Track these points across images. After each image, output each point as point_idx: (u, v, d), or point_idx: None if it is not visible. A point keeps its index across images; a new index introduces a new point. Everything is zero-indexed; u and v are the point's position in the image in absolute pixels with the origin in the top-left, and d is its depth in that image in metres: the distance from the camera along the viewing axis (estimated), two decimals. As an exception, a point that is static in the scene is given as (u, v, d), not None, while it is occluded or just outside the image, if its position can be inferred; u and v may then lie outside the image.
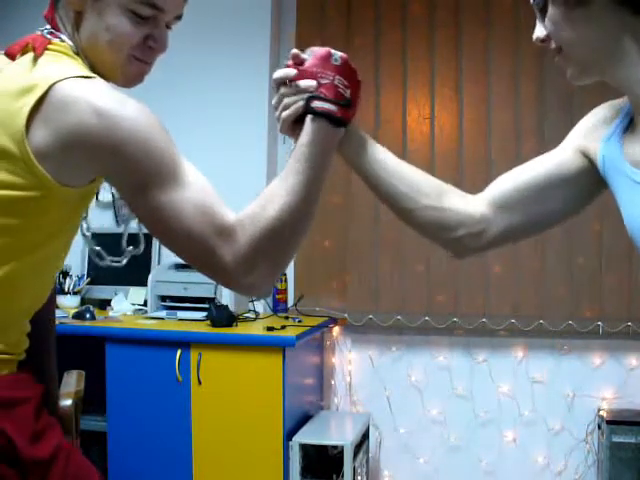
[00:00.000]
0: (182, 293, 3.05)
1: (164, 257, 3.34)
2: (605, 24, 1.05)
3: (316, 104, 1.13)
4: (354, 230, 3.25)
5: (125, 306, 3.19)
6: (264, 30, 3.32)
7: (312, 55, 1.16)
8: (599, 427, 3.01)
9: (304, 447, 2.69)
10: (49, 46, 1.08)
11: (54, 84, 1.00)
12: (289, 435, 2.68)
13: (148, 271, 3.18)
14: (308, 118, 1.13)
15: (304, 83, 1.13)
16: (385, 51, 3.23)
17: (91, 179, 1.08)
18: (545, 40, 1.13)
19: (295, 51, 1.16)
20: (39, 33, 1.12)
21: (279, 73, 1.16)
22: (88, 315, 2.93)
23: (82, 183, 1.07)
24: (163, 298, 3.10)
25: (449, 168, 3.11)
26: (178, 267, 3.17)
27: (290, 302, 3.31)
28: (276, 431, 2.64)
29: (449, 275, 3.15)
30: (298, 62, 1.16)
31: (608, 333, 3.03)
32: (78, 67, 1.08)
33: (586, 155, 1.19)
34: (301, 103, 1.13)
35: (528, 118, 3.12)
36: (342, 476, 2.68)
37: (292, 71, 1.15)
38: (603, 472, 2.91)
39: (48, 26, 1.13)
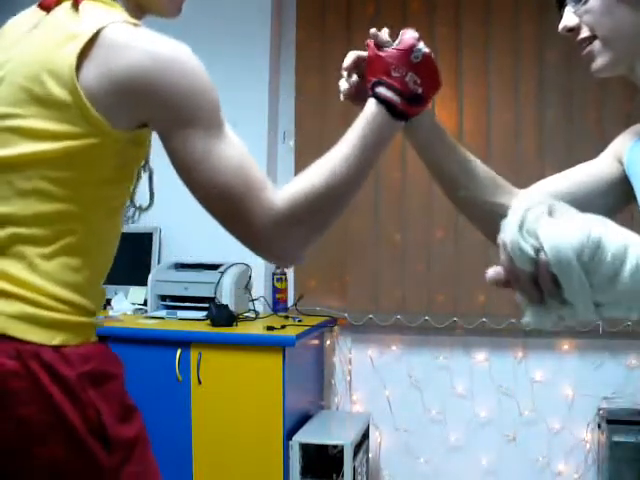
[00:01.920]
0: (182, 293, 3.05)
1: (164, 257, 3.35)
2: None
3: (380, 90, 1.12)
4: (354, 230, 3.25)
5: (125, 305, 3.19)
6: (264, 30, 3.32)
7: (397, 43, 1.15)
8: (599, 427, 3.01)
9: (304, 447, 2.69)
10: None
11: (102, 29, 1.02)
12: (289, 435, 2.68)
13: (148, 271, 3.18)
14: (371, 100, 1.13)
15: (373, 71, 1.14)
16: (385, 51, 3.23)
17: (142, 122, 1.07)
18: (574, 29, 1.12)
19: (374, 31, 1.16)
20: None
21: (351, 55, 1.20)
22: (88, 315, 2.93)
23: (132, 126, 1.06)
24: (163, 298, 3.10)
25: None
26: (178, 267, 3.17)
27: (290, 302, 3.32)
28: (276, 431, 2.64)
29: (449, 275, 3.16)
30: (378, 44, 1.15)
31: (608, 333, 3.03)
32: (121, 14, 1.09)
33: (620, 160, 1.22)
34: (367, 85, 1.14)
35: (528, 118, 3.12)
36: (342, 476, 2.68)
37: (363, 54, 1.17)
38: (603, 472, 2.91)
39: None
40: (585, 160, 1.30)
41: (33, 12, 1.14)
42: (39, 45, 1.05)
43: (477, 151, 3.43)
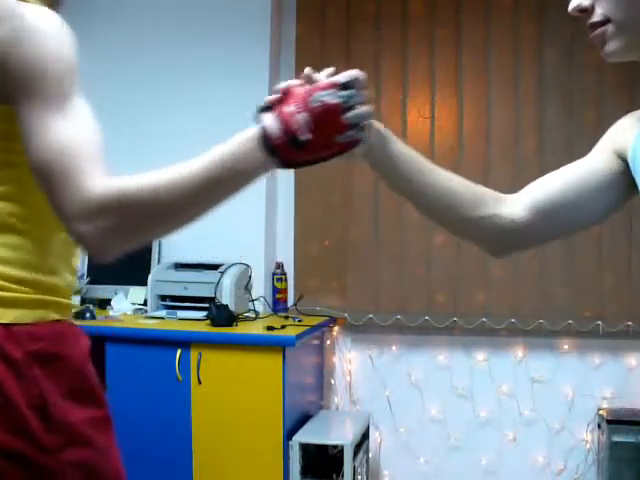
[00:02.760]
0: (182, 293, 3.05)
1: (164, 257, 3.34)
2: None
3: (264, 116, 1.01)
4: (354, 230, 3.25)
5: (125, 306, 3.19)
6: (264, 30, 3.32)
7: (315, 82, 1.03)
8: (599, 427, 3.01)
9: (304, 447, 2.69)
10: None
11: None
12: (289, 435, 2.68)
13: (148, 271, 3.18)
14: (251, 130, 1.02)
15: (272, 96, 1.04)
16: (385, 51, 3.23)
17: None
18: (586, 10, 1.07)
19: (308, 72, 1.05)
20: None
21: (282, 84, 1.06)
22: (88, 315, 2.93)
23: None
24: (163, 298, 3.10)
25: (449, 168, 3.08)
26: (178, 267, 3.17)
27: (290, 302, 3.31)
28: (276, 431, 2.64)
29: (449, 275, 3.16)
30: (307, 80, 1.04)
31: (608, 333, 3.03)
32: None
33: (620, 155, 1.19)
34: (259, 105, 1.04)
35: (528, 117, 3.12)
36: (342, 476, 2.67)
37: (289, 84, 1.04)
38: (603, 472, 2.91)
39: None
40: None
41: None
42: None
43: (477, 151, 3.45)
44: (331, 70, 1.05)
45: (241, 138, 1.02)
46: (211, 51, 3.34)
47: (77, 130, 1.01)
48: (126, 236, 1.03)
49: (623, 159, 1.18)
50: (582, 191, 1.21)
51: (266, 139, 0.99)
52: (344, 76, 1.01)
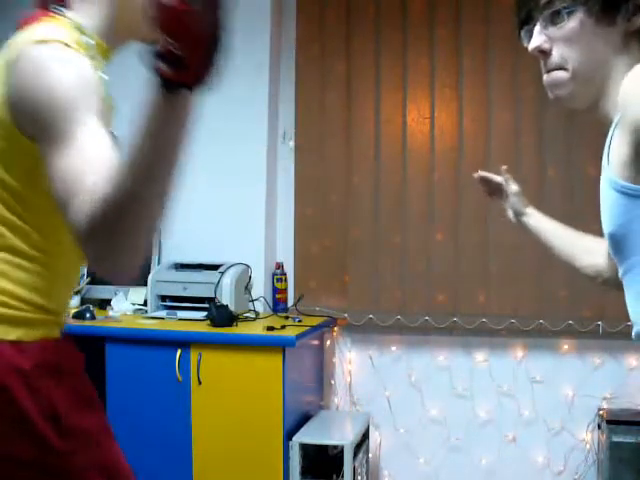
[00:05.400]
0: (182, 293, 3.05)
1: (164, 257, 3.34)
2: (614, 41, 1.03)
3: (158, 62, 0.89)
4: (354, 230, 3.25)
5: (125, 306, 3.19)
6: (264, 30, 3.32)
7: None
8: (599, 427, 3.01)
9: (304, 447, 2.68)
10: (43, 18, 1.17)
11: (22, 49, 1.09)
12: (289, 435, 2.68)
13: (148, 271, 3.18)
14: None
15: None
16: (385, 51, 3.23)
17: (29, 135, 1.10)
18: (545, 52, 1.09)
19: None
20: (43, 8, 1.21)
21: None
22: (88, 315, 2.93)
23: (28, 137, 1.10)
24: (163, 298, 3.10)
25: (449, 168, 3.11)
26: (178, 267, 3.17)
27: (290, 302, 3.32)
28: (276, 431, 2.64)
29: (449, 275, 3.16)
30: None
31: (608, 333, 3.03)
32: (59, 32, 1.14)
33: None
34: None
35: (528, 118, 3.12)
36: (342, 476, 2.67)
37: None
38: (603, 472, 2.91)
39: (59, 4, 1.22)
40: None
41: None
42: None
43: (477, 151, 3.45)
44: None
45: (147, 100, 0.93)
46: (211, 51, 3.33)
47: (75, 159, 1.01)
48: (125, 243, 0.99)
49: None
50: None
51: (164, 81, 0.90)
52: None
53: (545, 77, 1.10)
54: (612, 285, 1.49)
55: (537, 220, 1.62)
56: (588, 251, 1.54)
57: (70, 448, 1.14)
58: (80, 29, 1.21)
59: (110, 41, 1.26)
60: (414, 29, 3.21)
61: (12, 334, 1.10)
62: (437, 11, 3.20)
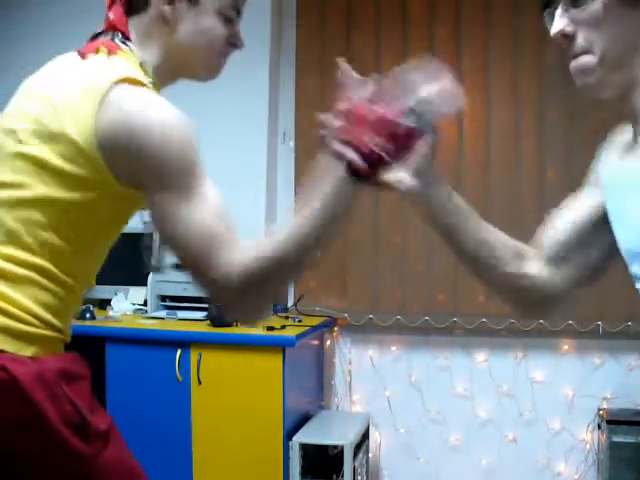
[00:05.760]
0: (182, 293, 3.05)
1: (164, 257, 3.34)
2: None
3: (341, 148, 1.04)
4: (354, 230, 3.25)
5: (125, 306, 3.19)
6: (264, 30, 3.32)
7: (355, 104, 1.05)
8: (599, 427, 3.01)
9: (304, 447, 2.68)
10: (118, 51, 1.19)
11: (112, 87, 1.10)
12: (289, 435, 2.68)
13: (148, 271, 3.18)
14: (333, 163, 1.06)
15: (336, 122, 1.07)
16: (385, 51, 3.23)
17: (129, 180, 1.13)
18: (569, 36, 1.01)
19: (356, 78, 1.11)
20: (109, 39, 1.21)
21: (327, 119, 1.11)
22: (88, 315, 2.93)
23: (126, 182, 1.13)
24: (163, 298, 3.10)
25: (449, 168, 3.10)
26: (178, 267, 3.16)
27: (290, 302, 3.32)
28: (276, 431, 2.64)
29: (449, 275, 3.15)
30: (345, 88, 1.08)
31: (608, 333, 3.03)
32: (139, 73, 1.18)
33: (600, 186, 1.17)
34: (325, 138, 1.06)
35: (528, 118, 3.12)
36: (342, 476, 2.67)
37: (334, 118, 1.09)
38: (603, 472, 2.91)
39: (119, 34, 1.23)
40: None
41: (70, 56, 1.22)
42: (68, 94, 1.13)
43: (477, 151, 3.45)
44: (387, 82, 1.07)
45: (331, 180, 1.08)
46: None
47: (205, 215, 1.10)
48: (269, 301, 1.16)
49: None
50: (592, 230, 1.20)
51: (353, 172, 1.04)
52: (414, 100, 1.04)
53: (571, 63, 1.03)
54: (549, 303, 1.25)
55: (452, 197, 1.18)
56: (519, 256, 1.22)
57: (96, 450, 1.17)
58: (143, 66, 1.23)
59: (160, 78, 1.28)
60: (414, 29, 3.21)
61: (28, 350, 1.13)
62: (437, 11, 3.20)
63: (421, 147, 1.07)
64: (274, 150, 3.40)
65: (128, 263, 2.90)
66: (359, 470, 2.84)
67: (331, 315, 3.24)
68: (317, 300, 3.29)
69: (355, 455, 2.74)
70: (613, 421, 2.88)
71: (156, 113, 1.11)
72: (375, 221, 3.23)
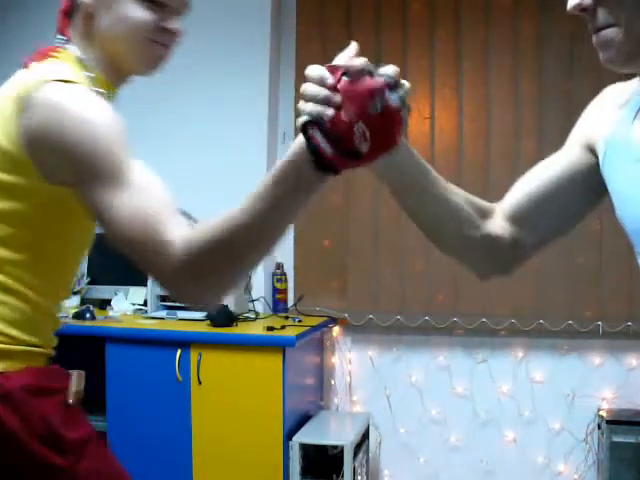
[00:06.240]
0: (182, 293, 3.05)
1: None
2: None
3: (314, 133, 0.88)
4: (354, 230, 3.25)
5: (125, 306, 3.19)
6: (264, 30, 3.32)
7: (357, 80, 0.88)
8: (599, 427, 3.01)
9: (304, 447, 2.69)
10: (53, 53, 1.19)
11: (38, 88, 1.10)
12: (289, 435, 2.68)
13: (148, 271, 3.18)
14: (298, 141, 0.92)
15: (313, 107, 0.89)
16: (385, 51, 3.23)
17: (58, 177, 1.12)
18: (586, 9, 0.96)
19: (340, 62, 0.96)
20: (56, 44, 1.23)
21: (314, 72, 0.95)
22: (88, 315, 2.93)
23: (54, 181, 1.13)
24: (163, 298, 3.10)
25: (449, 168, 3.10)
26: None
27: (290, 302, 3.31)
28: (276, 431, 2.64)
29: (449, 275, 3.15)
30: (333, 70, 0.93)
31: (608, 333, 3.03)
32: (70, 71, 1.17)
33: (592, 149, 1.13)
34: (300, 120, 0.91)
35: (528, 118, 3.12)
36: (342, 476, 2.68)
37: (327, 78, 0.92)
38: (603, 472, 2.91)
39: (62, 37, 1.25)
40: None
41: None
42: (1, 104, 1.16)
43: (477, 151, 3.44)
44: (359, 59, 0.95)
45: (293, 160, 0.94)
46: (211, 51, 3.34)
47: (138, 199, 1.05)
48: (226, 286, 1.07)
49: (595, 154, 1.13)
50: (564, 190, 1.16)
51: (318, 157, 0.89)
52: (392, 71, 0.89)
53: (594, 38, 0.97)
54: (514, 262, 1.25)
55: (412, 155, 1.13)
56: (484, 214, 1.17)
57: (71, 462, 1.18)
58: (81, 64, 1.22)
59: (110, 76, 1.26)
60: (414, 29, 3.21)
61: None
62: (437, 11, 3.20)
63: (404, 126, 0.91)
64: (274, 150, 3.40)
65: (128, 263, 2.90)
66: (359, 470, 2.84)
67: (331, 315, 3.24)
68: (317, 300, 3.29)
69: (355, 455, 2.74)
70: (613, 421, 2.88)
71: (80, 105, 1.10)
72: (375, 221, 3.23)
